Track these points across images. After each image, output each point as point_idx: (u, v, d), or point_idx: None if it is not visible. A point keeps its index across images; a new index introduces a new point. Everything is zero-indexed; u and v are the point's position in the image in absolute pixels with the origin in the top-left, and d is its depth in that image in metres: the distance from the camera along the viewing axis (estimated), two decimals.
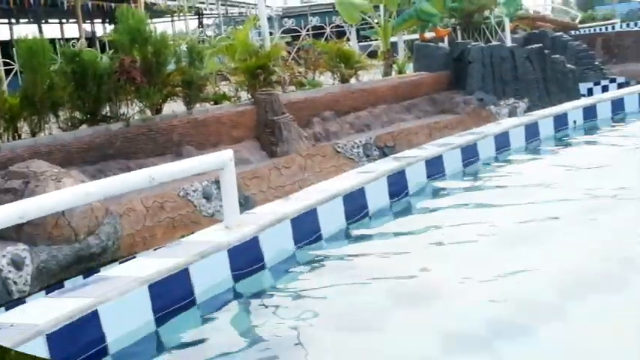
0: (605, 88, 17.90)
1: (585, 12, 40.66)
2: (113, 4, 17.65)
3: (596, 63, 20.28)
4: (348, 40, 17.00)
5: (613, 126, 8.03)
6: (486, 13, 20.26)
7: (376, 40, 17.54)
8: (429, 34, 16.98)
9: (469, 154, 6.50)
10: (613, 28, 33.89)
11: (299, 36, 17.23)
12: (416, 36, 17.74)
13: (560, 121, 7.72)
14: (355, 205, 5.01)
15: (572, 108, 8.02)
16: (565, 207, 5.02)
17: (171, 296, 3.58)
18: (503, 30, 19.57)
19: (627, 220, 4.57)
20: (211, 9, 29.93)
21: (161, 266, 3.58)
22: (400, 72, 15.64)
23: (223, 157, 4.13)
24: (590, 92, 17.48)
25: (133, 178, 3.57)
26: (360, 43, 18.78)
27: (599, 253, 3.98)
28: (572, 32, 26.58)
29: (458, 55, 15.27)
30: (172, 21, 29.09)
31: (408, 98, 14.12)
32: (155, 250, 4.11)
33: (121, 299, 3.29)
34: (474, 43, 15.81)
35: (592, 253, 4.00)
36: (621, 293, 3.45)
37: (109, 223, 8.13)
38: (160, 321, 3.49)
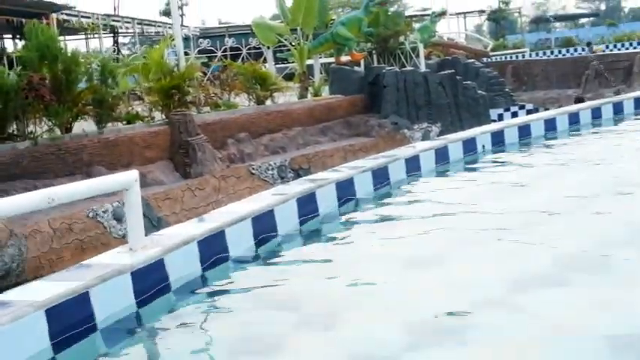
0: (514, 114, 18.43)
1: (497, 40, 41.90)
2: (23, 20, 17.21)
3: (507, 90, 20.88)
4: (265, 61, 17.02)
5: (520, 150, 8.23)
6: (401, 38, 20.64)
7: (293, 62, 17.63)
8: (344, 58, 17.17)
9: (380, 177, 6.55)
10: (523, 56, 35.04)
11: (215, 56, 17.18)
12: (332, 59, 17.91)
13: (470, 145, 7.87)
14: (264, 227, 4.97)
15: (481, 133, 8.19)
16: (473, 227, 5.10)
17: (70, 321, 3.46)
18: (417, 55, 19.97)
19: (534, 238, 4.68)
20: (127, 27, 29.57)
21: (60, 290, 3.46)
22: (316, 95, 15.76)
23: (128, 177, 4.04)
24: (500, 118, 17.97)
25: (29, 199, 3.44)
26: (277, 65, 18.84)
27: (505, 273, 4.05)
28: (484, 60, 27.35)
29: (373, 79, 15.50)
30: (86, 39, 28.58)
31: (324, 121, 14.22)
32: (55, 273, 3.97)
33: (15, 325, 3.16)
34: (388, 68, 16.08)
35: (499, 273, 4.07)
36: (523, 313, 3.52)
37: (12, 244, 7.87)
38: (57, 348, 3.37)
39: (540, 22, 55.68)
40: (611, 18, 62.23)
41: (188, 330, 3.70)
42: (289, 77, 17.19)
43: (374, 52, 20.06)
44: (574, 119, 9.17)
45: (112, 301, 3.72)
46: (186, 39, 19.09)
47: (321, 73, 17.88)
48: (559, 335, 3.23)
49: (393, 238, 5.11)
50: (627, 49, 33.74)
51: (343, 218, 5.76)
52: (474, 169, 7.47)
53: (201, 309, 4.01)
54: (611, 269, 4.04)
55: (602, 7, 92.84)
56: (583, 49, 34.43)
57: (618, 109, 9.85)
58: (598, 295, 3.68)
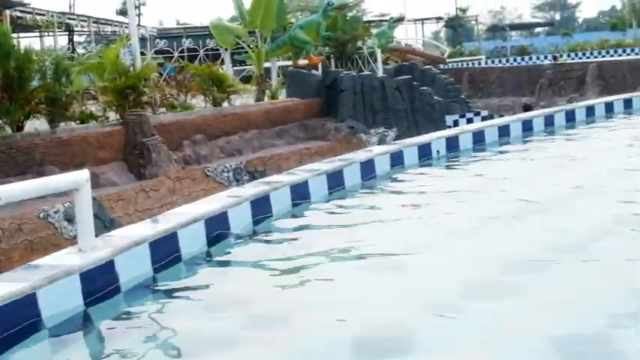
0: (470, 120, 18.60)
1: (454, 47, 42.33)
2: None
3: (462, 96, 21.11)
4: (222, 63, 16.94)
5: (474, 156, 8.31)
6: (359, 43, 20.72)
7: (250, 64, 17.58)
8: (302, 61, 17.17)
9: (335, 180, 6.56)
10: (479, 63, 35.45)
11: (172, 57, 17.05)
12: (290, 62, 17.91)
13: (425, 150, 7.92)
14: (218, 228, 4.95)
15: (436, 138, 8.26)
16: (425, 233, 5.14)
17: (16, 323, 3.40)
18: (375, 61, 20.07)
19: (485, 244, 4.73)
20: (82, 26, 29.21)
21: (5, 291, 3.40)
22: (273, 97, 15.74)
23: (78, 177, 3.98)
24: (456, 124, 18.14)
25: None
26: (235, 68, 18.77)
27: (456, 278, 4.08)
28: (441, 66, 27.60)
29: (330, 82, 15.53)
30: (41, 36, 28.15)
31: (280, 124, 14.21)
32: (2, 274, 3.89)
33: None
34: (346, 72, 16.14)
35: (450, 278, 4.10)
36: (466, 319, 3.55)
37: None
38: (3, 347, 3.30)
39: (496, 30, 56.37)
40: (566, 28, 63.24)
41: (138, 331, 3.66)
42: (246, 80, 17.15)
43: (332, 56, 20.12)
44: (527, 126, 9.29)
45: (60, 303, 3.66)
46: (142, 39, 18.92)
47: (279, 76, 17.87)
48: (507, 338, 3.26)
49: (346, 241, 5.12)
50: (581, 58, 34.32)
51: (297, 221, 5.75)
52: (428, 174, 7.51)
53: (152, 310, 3.97)
54: (556, 273, 4.10)
55: (557, 17, 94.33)
56: (549, 59, 34.93)
57: (570, 117, 10.00)
58: (543, 298, 3.73)
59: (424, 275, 4.28)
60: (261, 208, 5.53)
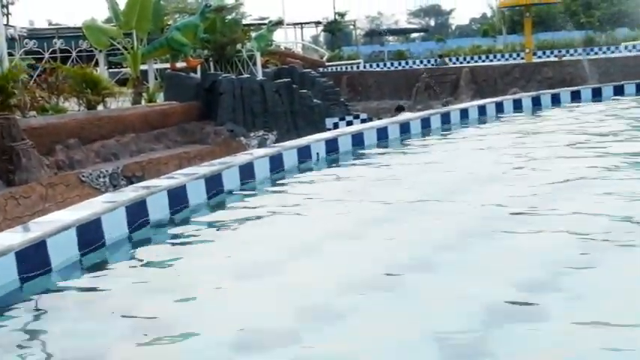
0: (349, 123, 18.72)
1: (333, 51, 42.78)
2: None
3: (342, 99, 21.26)
4: (97, 65, 16.42)
5: (353, 158, 8.36)
6: (239, 46, 20.57)
7: (126, 67, 17.14)
8: (180, 64, 16.88)
9: (214, 184, 6.44)
10: (357, 67, 35.96)
11: (42, 58, 16.39)
12: (168, 65, 17.57)
13: (304, 153, 7.91)
14: (91, 235, 4.73)
15: (316, 141, 8.26)
16: (306, 235, 5.11)
17: None
18: (254, 64, 19.97)
19: (365, 245, 4.74)
20: None
21: None
22: (150, 100, 15.39)
23: None
24: (336, 126, 18.23)
25: None
26: (110, 70, 18.24)
27: (336, 278, 4.05)
28: (320, 69, 27.77)
29: (209, 85, 15.33)
30: None
31: (158, 127, 13.90)
32: None
33: None
34: (225, 75, 15.97)
35: (330, 279, 4.07)
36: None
37: None
38: None
39: (374, 35, 57.49)
40: (440, 34, 65.14)
41: (7, 346, 3.44)
42: (123, 82, 16.69)
43: (210, 59, 19.88)
44: (405, 128, 9.44)
45: None
46: (11, 39, 18.07)
47: (156, 79, 17.49)
48: (389, 337, 3.26)
49: (224, 246, 5.02)
50: (454, 63, 35.44)
51: (174, 227, 5.59)
52: (308, 177, 7.50)
53: (21, 322, 3.74)
54: (438, 271, 4.15)
55: (432, 23, 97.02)
56: (436, 60, 35.81)
57: (446, 119, 10.25)
58: (426, 295, 3.76)
59: (305, 277, 4.23)
60: (137, 213, 5.34)
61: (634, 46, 31.48)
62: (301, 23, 45.98)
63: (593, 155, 7.31)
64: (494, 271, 4.07)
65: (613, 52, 32.94)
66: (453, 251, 4.46)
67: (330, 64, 33.60)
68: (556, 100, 11.99)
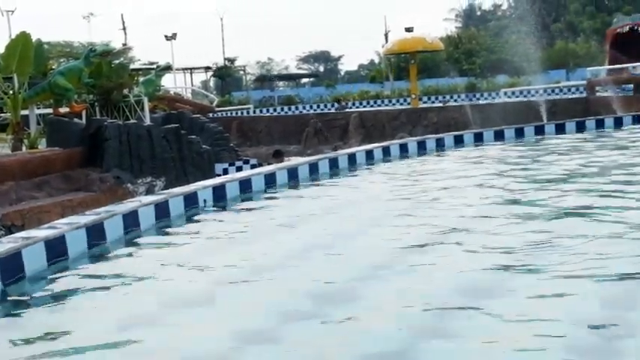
0: (239, 169, 18.66)
1: (223, 96, 42.79)
2: None
3: (231, 145, 21.24)
4: None
5: (240, 204, 8.27)
6: (126, 91, 20.27)
7: (6, 112, 16.55)
8: (64, 109, 16.45)
9: (96, 234, 6.20)
10: (248, 112, 36.07)
11: None
12: (51, 110, 17.08)
13: (191, 199, 7.77)
14: None
15: (203, 187, 8.13)
16: (195, 285, 4.99)
17: None
18: (142, 109, 19.71)
19: (259, 291, 4.66)
20: None
21: None
22: (32, 147, 14.88)
23: None
24: (225, 172, 18.14)
25: None
26: None
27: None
28: (210, 115, 27.70)
29: (94, 131, 14.98)
30: None
31: (40, 174, 13.43)
32: None
33: None
34: (111, 121, 15.65)
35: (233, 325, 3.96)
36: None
37: None
38: None
39: (264, 80, 57.93)
40: (329, 79, 66.36)
41: None
42: (2, 128, 16.10)
43: (96, 103, 19.48)
44: (293, 174, 9.44)
45: None
46: None
47: (39, 124, 16.95)
48: None
49: (105, 300, 4.82)
50: (344, 107, 36.01)
51: (51, 281, 5.33)
52: (194, 225, 7.35)
53: None
54: (356, 300, 4.13)
55: (322, 68, 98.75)
56: (333, 105, 36.19)
57: (334, 164, 10.32)
58: (349, 324, 3.77)
59: (191, 330, 4.10)
60: (11, 266, 5.07)
61: (513, 92, 32.90)
62: (191, 68, 45.85)
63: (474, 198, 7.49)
64: (387, 313, 4.08)
65: (494, 97, 34.31)
66: (342, 296, 4.43)
67: (220, 109, 33.57)
68: (440, 145, 12.30)
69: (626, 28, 31.87)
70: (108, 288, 5.14)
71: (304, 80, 68.12)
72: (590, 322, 3.76)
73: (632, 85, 22.46)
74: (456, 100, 35.36)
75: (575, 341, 3.53)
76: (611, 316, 3.84)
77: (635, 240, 5.24)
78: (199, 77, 65.09)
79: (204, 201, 7.98)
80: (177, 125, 16.68)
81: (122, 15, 56.70)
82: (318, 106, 38.49)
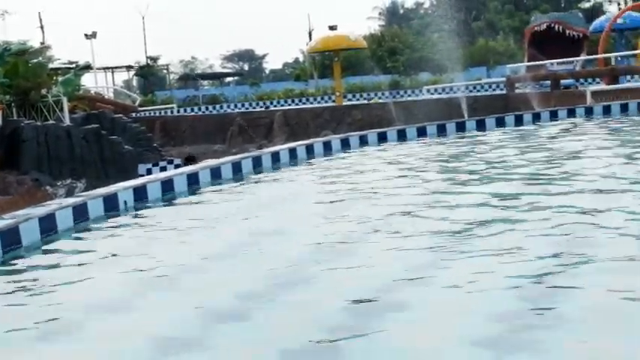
0: (163, 169, 18.38)
1: (146, 96, 42.15)
2: None
3: (155, 145, 20.94)
4: None
5: (163, 205, 8.13)
6: (44, 91, 19.76)
7: None
8: None
9: (10, 239, 6.00)
10: (171, 112, 35.61)
11: None
12: None
13: (111, 201, 7.60)
14: None
15: (123, 189, 7.96)
16: (118, 286, 4.88)
17: None
18: (61, 109, 19.24)
19: (178, 295, 4.57)
20: None
21: None
22: None
23: None
24: (149, 172, 17.83)
25: None
26: None
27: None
28: (133, 114, 27.25)
29: (10, 132, 14.55)
30: None
31: None
32: None
33: None
34: (28, 121, 15.23)
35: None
36: None
37: None
38: None
39: (188, 79, 57.31)
40: (254, 78, 66.12)
41: None
42: None
43: (13, 104, 18.91)
44: (216, 173, 9.34)
45: None
46: None
47: None
48: None
49: (21, 312, 4.66)
50: (268, 107, 35.96)
51: None
52: (116, 226, 7.19)
53: None
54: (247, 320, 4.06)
55: (246, 67, 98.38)
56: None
57: (257, 163, 10.25)
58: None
59: (109, 337, 4.00)
60: None
61: (435, 89, 33.37)
62: (112, 67, 45.04)
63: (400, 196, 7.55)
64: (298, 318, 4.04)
65: (417, 95, 34.75)
66: (260, 299, 4.38)
67: (143, 108, 33.04)
68: (364, 142, 12.35)
69: (544, 27, 32.75)
70: (26, 291, 4.99)
71: (229, 79, 67.66)
72: (504, 311, 3.82)
73: (549, 82, 23.02)
74: (380, 98, 35.69)
75: (487, 331, 3.58)
76: (525, 306, 3.90)
77: (556, 227, 5.35)
78: (121, 76, 64.14)
79: (125, 202, 7.82)
80: (97, 125, 16.35)
81: (40, 13, 55.36)
82: (243, 105, 38.31)
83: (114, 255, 5.98)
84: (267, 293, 4.49)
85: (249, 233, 6.31)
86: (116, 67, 46.84)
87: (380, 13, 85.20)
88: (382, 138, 12.71)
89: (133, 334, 4.01)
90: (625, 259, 4.51)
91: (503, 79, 26.96)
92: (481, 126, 13.65)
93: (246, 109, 35.48)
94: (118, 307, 4.52)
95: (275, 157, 10.68)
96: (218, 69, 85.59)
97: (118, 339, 3.96)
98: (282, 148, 11.41)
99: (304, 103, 37.07)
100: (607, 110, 14.95)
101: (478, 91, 32.84)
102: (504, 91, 25.71)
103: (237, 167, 9.82)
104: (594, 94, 18.66)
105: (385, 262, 4.96)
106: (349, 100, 35.06)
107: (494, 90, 31.30)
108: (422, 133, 13.11)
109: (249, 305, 4.26)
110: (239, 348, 3.71)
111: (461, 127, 13.57)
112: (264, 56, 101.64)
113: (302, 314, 4.09)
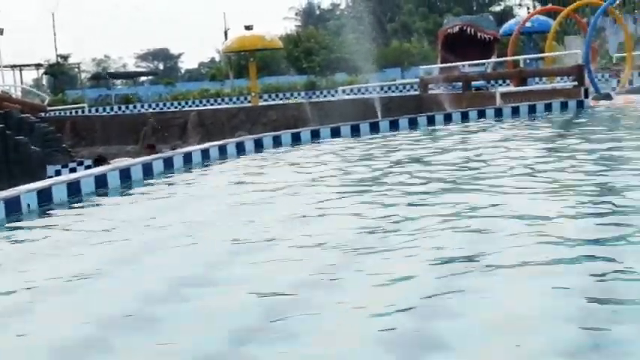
0: (73, 170, 17.95)
1: (56, 95, 41.04)
2: None
3: (64, 145, 20.38)
4: None
5: (69, 208, 7.88)
6: None
7: None
8: None
9: None
10: (82, 112, 34.77)
11: None
12: None
13: (13, 205, 7.30)
14: None
15: (26, 191, 7.67)
16: (11, 294, 4.65)
17: None
18: None
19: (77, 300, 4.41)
20: None
21: None
22: None
23: None
24: (58, 174, 17.39)
25: None
26: None
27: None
28: (42, 114, 26.45)
29: None
30: None
31: None
32: None
33: None
34: None
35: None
36: None
37: None
38: None
39: (100, 78, 56.04)
40: (169, 77, 65.25)
41: None
42: None
43: None
44: (125, 174, 9.11)
45: None
46: None
47: None
48: None
49: None
50: (183, 107, 35.50)
51: None
52: (17, 229, 6.93)
53: None
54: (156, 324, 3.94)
55: (161, 66, 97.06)
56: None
57: (169, 164, 10.07)
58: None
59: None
60: None
61: (351, 90, 33.59)
62: (20, 65, 43.69)
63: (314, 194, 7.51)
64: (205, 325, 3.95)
65: (333, 95, 34.91)
66: (165, 304, 4.26)
67: (53, 108, 32.13)
68: (278, 142, 12.30)
69: (456, 29, 33.44)
70: None
71: (143, 78, 66.60)
72: (409, 306, 3.83)
73: (461, 83, 23.44)
74: (295, 98, 35.71)
75: (395, 325, 3.57)
76: (430, 301, 3.91)
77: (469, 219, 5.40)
78: (30, 75, 62.27)
79: (28, 205, 7.54)
80: (2, 125, 15.78)
81: None
82: (157, 105, 37.73)
83: (11, 260, 5.76)
84: (172, 295, 4.38)
85: (156, 237, 6.16)
86: (25, 65, 45.46)
87: (296, 14, 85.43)
88: (296, 139, 12.69)
89: (30, 340, 3.84)
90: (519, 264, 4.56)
91: (417, 80, 27.32)
92: (394, 126, 13.77)
93: (161, 109, 34.95)
94: (17, 311, 4.34)
95: (187, 158, 10.52)
96: (132, 68, 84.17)
97: (17, 347, 3.79)
98: (194, 148, 11.25)
99: (220, 104, 36.76)
100: (515, 111, 15.32)
101: (393, 91, 33.20)
102: (418, 92, 26.04)
103: (147, 168, 9.61)
104: (503, 95, 19.08)
105: (291, 267, 4.90)
106: (265, 100, 34.94)
107: (408, 91, 31.70)
108: (336, 133, 13.15)
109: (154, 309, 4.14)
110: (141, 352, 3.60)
111: (374, 128, 13.66)
112: (179, 55, 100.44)
113: (209, 317, 3.99)
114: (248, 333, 3.70)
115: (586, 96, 16.52)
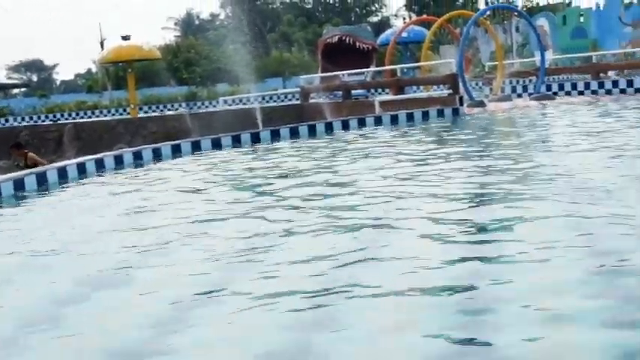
0: None
1: None
2: None
3: None
4: None
5: None
6: None
7: None
8: None
9: None
10: None
11: None
12: None
13: None
14: None
15: None
16: None
17: None
18: None
19: None
20: None
21: None
22: None
23: None
24: None
25: None
26: None
27: None
28: None
29: None
30: None
31: None
32: None
33: None
34: None
35: None
36: None
37: None
38: None
39: None
40: (44, 89, 63.09)
41: None
42: None
43: None
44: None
45: None
46: None
47: None
48: None
49: None
50: (58, 119, 34.36)
51: None
52: None
53: None
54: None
55: (35, 78, 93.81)
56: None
57: (42, 179, 9.70)
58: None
59: None
60: None
61: (233, 100, 33.42)
62: None
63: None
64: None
65: (214, 105, 34.64)
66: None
67: None
68: (158, 155, 12.07)
69: (336, 39, 33.91)
70: None
71: (15, 91, 64.11)
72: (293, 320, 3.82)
73: (341, 92, 23.73)
74: (177, 109, 35.21)
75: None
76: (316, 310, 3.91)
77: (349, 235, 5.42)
78: None
79: None
80: None
81: None
82: (32, 118, 36.40)
83: None
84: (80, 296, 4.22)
85: (32, 251, 5.90)
86: None
87: (175, 24, 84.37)
88: (176, 150, 12.50)
89: None
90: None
91: (298, 89, 27.49)
92: (276, 136, 13.80)
93: (35, 122, 33.74)
94: None
95: (62, 172, 10.15)
96: (3, 80, 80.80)
97: None
98: (69, 163, 10.88)
99: (97, 116, 35.82)
100: (394, 119, 15.65)
101: (275, 101, 33.30)
102: (299, 102, 26.19)
103: (19, 185, 9.23)
104: (382, 103, 19.43)
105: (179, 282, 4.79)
106: (145, 112, 34.33)
107: (290, 100, 31.83)
108: (217, 144, 13.03)
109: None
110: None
111: (256, 138, 13.64)
112: (54, 66, 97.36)
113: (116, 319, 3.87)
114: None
115: (461, 103, 17.07)
